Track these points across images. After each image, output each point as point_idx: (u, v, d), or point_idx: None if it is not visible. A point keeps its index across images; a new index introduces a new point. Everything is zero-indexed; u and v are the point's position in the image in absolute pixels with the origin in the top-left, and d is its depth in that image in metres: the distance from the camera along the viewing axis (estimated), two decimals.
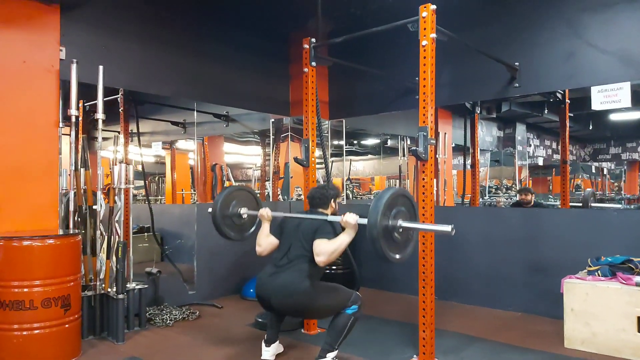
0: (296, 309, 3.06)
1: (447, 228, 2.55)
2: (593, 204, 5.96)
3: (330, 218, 3.05)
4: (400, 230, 2.70)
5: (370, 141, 10.04)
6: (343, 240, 2.89)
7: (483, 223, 4.86)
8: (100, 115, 3.84)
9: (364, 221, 2.66)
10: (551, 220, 4.47)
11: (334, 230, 3.00)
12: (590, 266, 3.69)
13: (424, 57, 3.15)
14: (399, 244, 2.73)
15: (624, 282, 3.38)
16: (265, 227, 3.36)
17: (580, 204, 6.05)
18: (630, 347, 3.27)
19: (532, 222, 4.54)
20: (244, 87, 5.31)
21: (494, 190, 10.92)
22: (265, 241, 3.28)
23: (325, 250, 2.88)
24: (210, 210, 3.58)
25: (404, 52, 3.89)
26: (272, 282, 3.02)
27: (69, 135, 3.98)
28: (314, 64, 3.88)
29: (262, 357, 3.25)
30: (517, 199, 6.29)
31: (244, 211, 3.67)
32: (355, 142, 9.83)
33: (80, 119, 3.95)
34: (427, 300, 3.19)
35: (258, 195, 3.83)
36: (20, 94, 3.56)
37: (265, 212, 3.40)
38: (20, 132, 3.55)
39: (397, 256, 2.72)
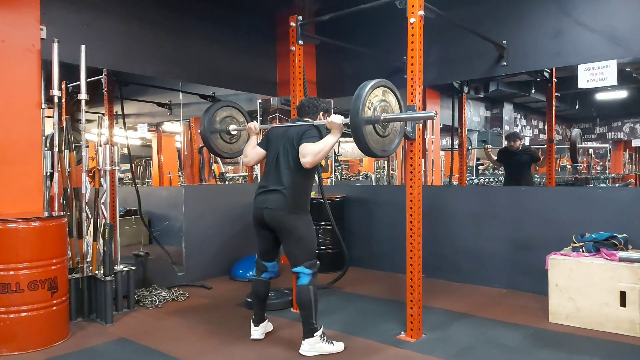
0: (280, 222, 3.01)
1: (431, 113, 2.59)
2: (580, 145, 6.06)
3: (316, 122, 3.04)
4: (383, 122, 2.70)
5: None
6: (328, 141, 2.87)
7: (470, 202, 4.89)
8: (83, 95, 3.77)
9: (349, 121, 2.65)
10: (537, 198, 4.51)
11: (320, 135, 2.98)
12: (574, 243, 3.74)
13: (412, 35, 3.12)
14: (382, 137, 2.72)
15: (607, 257, 3.43)
16: (253, 139, 3.39)
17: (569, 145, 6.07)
18: (613, 320, 3.34)
19: (518, 200, 4.57)
20: (231, 66, 5.24)
21: (481, 170, 10.97)
22: (252, 152, 3.30)
23: (311, 150, 2.86)
24: (199, 130, 3.63)
25: (392, 30, 3.86)
26: (263, 200, 3.06)
27: (52, 117, 3.92)
28: (301, 42, 3.83)
29: (251, 337, 3.28)
30: (505, 145, 6.25)
31: (233, 127, 3.68)
32: None
33: (63, 100, 3.88)
34: (415, 277, 3.22)
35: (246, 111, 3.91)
36: (0, 74, 3.47)
37: (254, 125, 3.43)
38: (1, 113, 3.47)
39: (381, 149, 2.71)
